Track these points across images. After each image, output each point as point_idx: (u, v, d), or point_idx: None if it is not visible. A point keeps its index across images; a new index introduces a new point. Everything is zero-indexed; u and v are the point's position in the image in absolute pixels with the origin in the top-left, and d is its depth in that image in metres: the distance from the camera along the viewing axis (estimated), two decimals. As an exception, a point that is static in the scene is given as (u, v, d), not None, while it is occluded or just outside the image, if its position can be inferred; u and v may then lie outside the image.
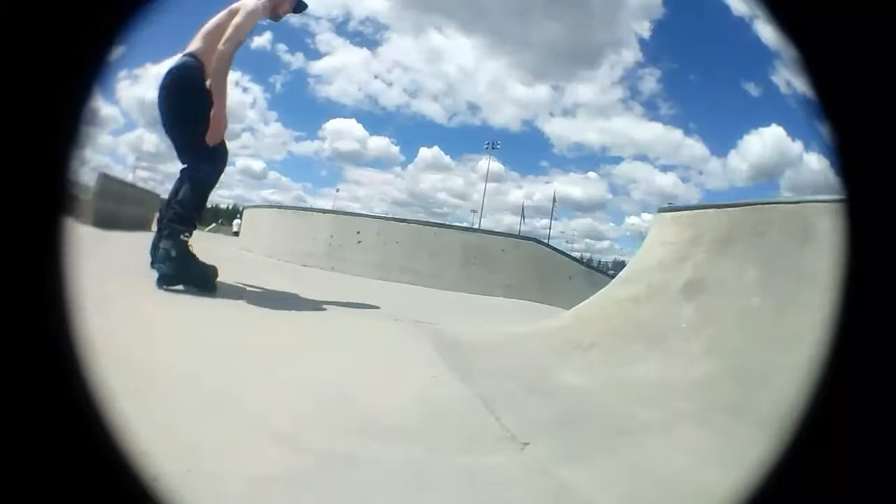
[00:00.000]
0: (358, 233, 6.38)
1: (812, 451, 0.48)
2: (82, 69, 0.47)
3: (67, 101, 0.47)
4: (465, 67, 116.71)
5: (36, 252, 0.45)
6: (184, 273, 2.59)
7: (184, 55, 2.73)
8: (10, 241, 0.45)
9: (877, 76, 0.47)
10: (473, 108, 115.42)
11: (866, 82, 0.48)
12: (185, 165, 2.80)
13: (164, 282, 2.53)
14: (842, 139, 0.49)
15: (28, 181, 0.45)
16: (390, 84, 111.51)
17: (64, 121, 0.46)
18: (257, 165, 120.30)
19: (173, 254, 2.57)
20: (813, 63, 0.50)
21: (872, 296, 0.46)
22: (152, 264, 2.64)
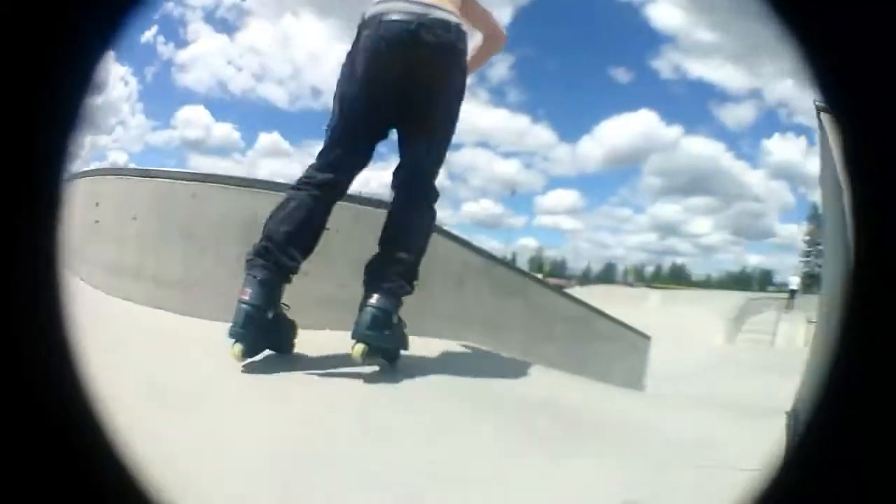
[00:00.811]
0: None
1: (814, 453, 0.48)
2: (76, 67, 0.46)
3: (61, 96, 0.46)
4: (313, 51, 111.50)
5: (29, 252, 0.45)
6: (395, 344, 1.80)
7: (446, 12, 1.77)
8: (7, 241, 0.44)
9: (884, 73, 0.46)
10: (316, 92, 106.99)
11: (875, 79, 0.47)
12: (408, 180, 1.88)
13: (380, 355, 1.75)
14: (850, 138, 0.49)
15: (22, 179, 0.44)
16: (240, 69, 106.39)
17: (58, 117, 0.46)
18: (121, 158, 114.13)
19: (394, 320, 1.75)
20: (819, 62, 0.49)
21: (878, 296, 0.46)
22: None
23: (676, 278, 63.13)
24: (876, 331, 0.45)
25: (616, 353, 6.00)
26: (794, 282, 24.77)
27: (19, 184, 0.44)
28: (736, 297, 21.92)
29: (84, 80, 0.47)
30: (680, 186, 76.53)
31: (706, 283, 59.77)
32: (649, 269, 65.55)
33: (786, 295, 23.07)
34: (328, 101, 1.88)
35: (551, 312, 4.34)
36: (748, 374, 8.34)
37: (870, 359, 0.45)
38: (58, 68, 0.45)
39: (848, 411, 0.46)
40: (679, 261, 70.75)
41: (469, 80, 1.91)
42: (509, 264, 4.45)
